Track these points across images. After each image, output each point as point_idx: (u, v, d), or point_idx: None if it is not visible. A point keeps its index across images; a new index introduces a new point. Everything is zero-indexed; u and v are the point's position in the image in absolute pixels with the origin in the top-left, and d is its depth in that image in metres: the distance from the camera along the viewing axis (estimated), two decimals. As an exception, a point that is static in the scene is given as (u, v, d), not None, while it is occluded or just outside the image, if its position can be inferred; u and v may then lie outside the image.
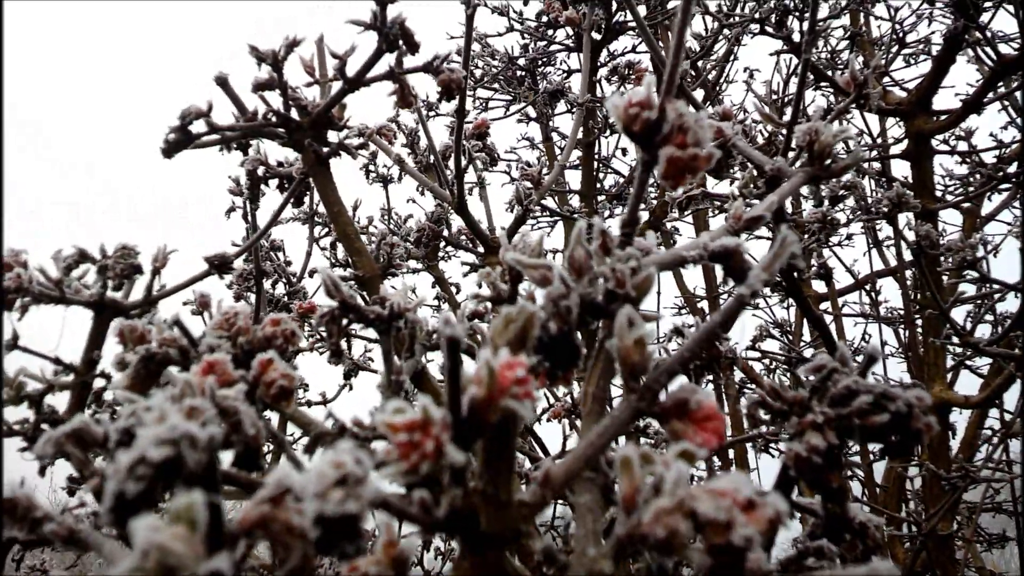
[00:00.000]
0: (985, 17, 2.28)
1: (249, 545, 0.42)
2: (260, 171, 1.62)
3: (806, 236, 1.81)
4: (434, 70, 1.22)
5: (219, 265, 1.36)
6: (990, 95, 2.32)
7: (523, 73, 3.75)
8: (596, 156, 3.63)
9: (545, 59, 3.67)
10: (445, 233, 1.73)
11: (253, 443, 0.62)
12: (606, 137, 3.75)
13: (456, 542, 0.47)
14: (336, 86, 1.26)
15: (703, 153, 0.60)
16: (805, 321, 4.09)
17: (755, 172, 1.41)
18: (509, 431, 0.48)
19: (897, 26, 2.68)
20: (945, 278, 2.10)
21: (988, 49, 2.75)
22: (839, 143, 0.97)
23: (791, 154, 1.44)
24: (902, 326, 3.84)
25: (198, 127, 1.23)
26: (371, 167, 3.53)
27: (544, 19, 3.18)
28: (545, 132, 3.86)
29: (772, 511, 0.41)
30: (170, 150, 1.24)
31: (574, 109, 2.02)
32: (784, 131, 1.49)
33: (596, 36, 2.69)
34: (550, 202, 3.81)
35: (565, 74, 3.54)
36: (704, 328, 0.56)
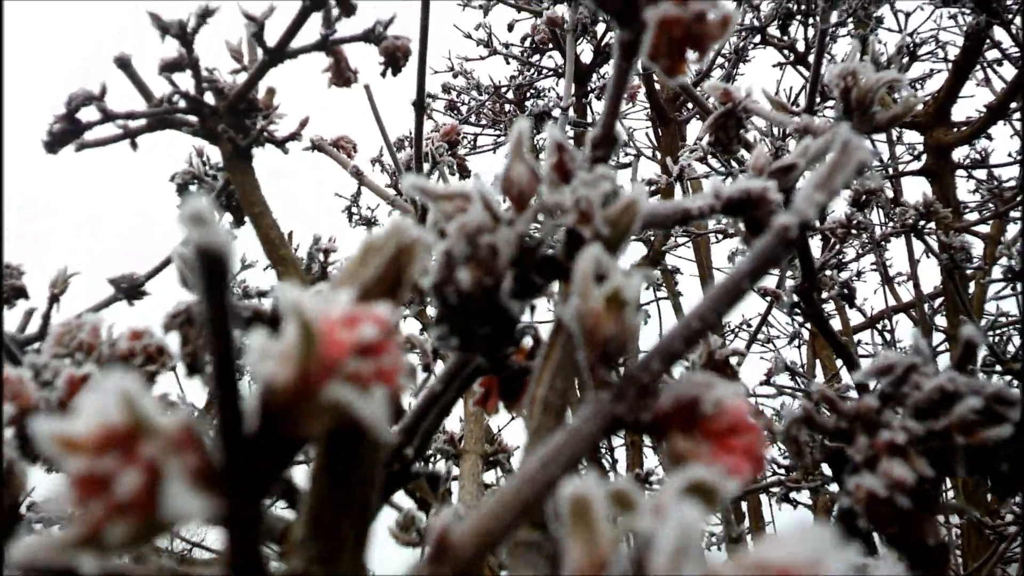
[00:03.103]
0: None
1: None
2: (192, 187, 1.40)
3: (826, 250, 1.58)
4: (375, 38, 1.01)
5: (128, 289, 1.13)
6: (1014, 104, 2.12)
7: (511, 106, 3.57)
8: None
9: (533, 90, 3.50)
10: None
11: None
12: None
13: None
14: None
15: (713, 13, 0.38)
16: (818, 361, 3.86)
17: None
18: (356, 454, 0.25)
19: (908, 37, 2.48)
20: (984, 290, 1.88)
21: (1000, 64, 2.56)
22: (882, 90, 0.75)
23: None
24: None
25: (89, 115, 1.02)
26: (353, 208, 3.33)
27: (529, 43, 3.00)
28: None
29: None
30: (55, 143, 1.02)
31: (557, 113, 1.83)
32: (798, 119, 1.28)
33: (584, 53, 2.51)
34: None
35: (553, 102, 3.36)
36: (727, 283, 0.34)
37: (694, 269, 3.98)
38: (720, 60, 3.07)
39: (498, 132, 3.71)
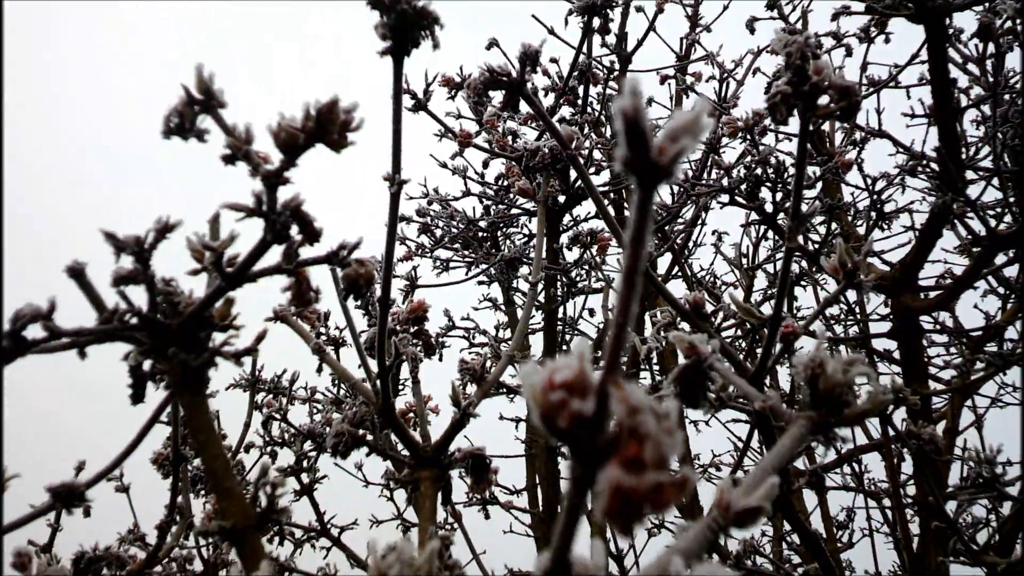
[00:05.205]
0: (974, 190, 2.13)
1: None
2: (146, 366, 1.36)
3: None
4: (339, 261, 0.99)
5: (65, 497, 1.08)
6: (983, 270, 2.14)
7: (484, 235, 3.59)
8: (561, 319, 3.42)
9: (507, 222, 3.53)
10: (369, 438, 1.46)
11: None
12: (572, 299, 3.56)
13: None
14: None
15: (669, 480, 0.35)
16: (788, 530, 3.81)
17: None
18: None
19: (875, 197, 2.52)
20: (953, 490, 1.85)
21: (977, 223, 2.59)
22: (851, 378, 0.74)
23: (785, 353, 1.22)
24: (889, 505, 3.61)
25: (36, 332, 0.98)
26: (323, 330, 3.29)
27: (504, 183, 3.03)
28: (507, 295, 3.65)
29: None
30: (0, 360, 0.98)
31: (526, 286, 1.82)
32: (766, 329, 1.27)
33: (560, 199, 2.52)
34: (509, 371, 3.55)
35: (526, 238, 3.36)
36: None
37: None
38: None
39: (471, 259, 3.72)
